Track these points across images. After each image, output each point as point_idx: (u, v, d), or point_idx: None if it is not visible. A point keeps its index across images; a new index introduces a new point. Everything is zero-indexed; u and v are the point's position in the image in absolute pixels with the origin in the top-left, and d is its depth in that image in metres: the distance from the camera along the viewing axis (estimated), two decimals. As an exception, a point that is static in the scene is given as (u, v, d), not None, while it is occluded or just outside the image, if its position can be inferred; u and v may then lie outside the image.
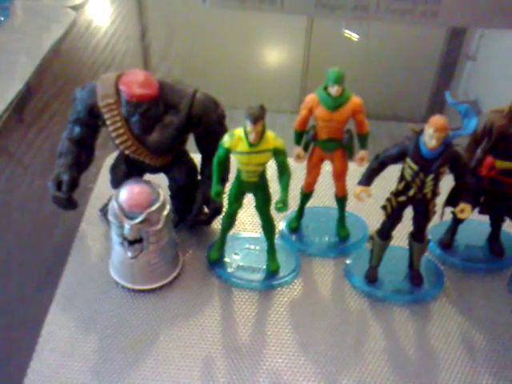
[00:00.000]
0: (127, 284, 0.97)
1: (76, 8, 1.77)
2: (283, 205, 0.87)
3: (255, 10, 1.97)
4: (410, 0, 1.95)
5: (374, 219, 1.07)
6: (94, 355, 0.88)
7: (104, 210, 1.10)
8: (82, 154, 1.02)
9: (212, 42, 1.79)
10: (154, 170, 1.05)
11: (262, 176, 0.89)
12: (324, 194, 1.10)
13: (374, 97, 1.60)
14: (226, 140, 0.84)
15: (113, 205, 0.91)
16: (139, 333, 0.91)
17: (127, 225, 0.90)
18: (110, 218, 0.92)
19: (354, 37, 1.88)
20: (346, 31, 1.92)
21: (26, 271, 1.01)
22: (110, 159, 1.20)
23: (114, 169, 1.06)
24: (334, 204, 1.06)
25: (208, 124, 0.96)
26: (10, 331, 0.92)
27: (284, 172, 0.86)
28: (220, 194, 0.89)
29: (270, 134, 0.83)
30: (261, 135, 0.81)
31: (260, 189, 0.90)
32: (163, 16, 1.90)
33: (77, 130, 0.99)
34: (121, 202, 0.90)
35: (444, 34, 1.90)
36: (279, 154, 0.84)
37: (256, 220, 1.04)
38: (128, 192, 0.91)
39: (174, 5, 1.96)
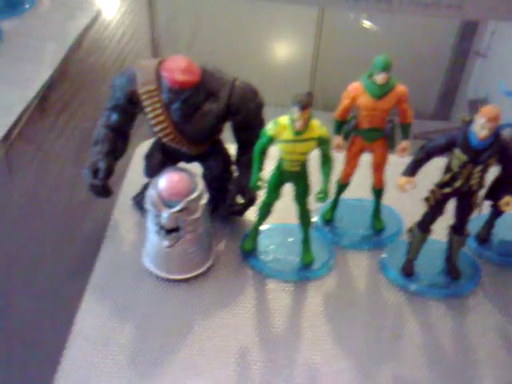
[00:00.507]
0: (161, 273, 0.96)
1: (102, -4, 1.76)
2: (324, 195, 0.86)
3: (280, 1, 1.96)
4: (434, -8, 1.94)
5: (410, 213, 1.06)
6: (129, 344, 0.87)
7: (137, 199, 1.10)
8: (118, 142, 1.01)
9: (220, 34, 1.77)
10: (189, 159, 1.04)
11: (304, 165, 0.88)
12: (358, 186, 1.08)
13: None
14: (269, 128, 0.83)
15: (151, 193, 0.91)
16: (174, 323, 0.90)
17: (165, 213, 0.89)
18: (148, 206, 0.92)
19: (373, 27, 1.87)
20: (366, 22, 1.90)
21: (58, 260, 1.01)
22: (142, 147, 1.20)
23: (148, 157, 1.05)
24: (368, 196, 1.05)
25: (246, 113, 0.95)
26: (44, 319, 0.92)
27: (327, 161, 0.85)
28: (260, 183, 0.88)
29: (315, 122, 0.82)
30: (307, 123, 0.80)
31: (301, 178, 0.89)
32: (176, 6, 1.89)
33: (114, 117, 0.98)
34: (160, 190, 0.90)
35: (455, 29, 1.88)
36: (324, 143, 0.83)
37: (290, 210, 1.03)
38: (167, 180, 0.90)
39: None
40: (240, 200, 1.03)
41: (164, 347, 0.87)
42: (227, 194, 1.02)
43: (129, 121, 1.00)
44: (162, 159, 1.03)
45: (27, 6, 1.67)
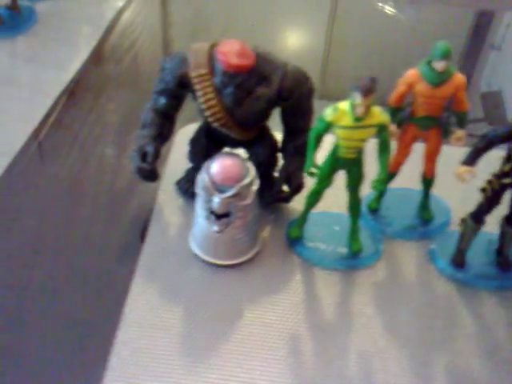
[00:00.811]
0: (209, 258, 0.96)
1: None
2: (382, 183, 0.85)
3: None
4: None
5: (458, 203, 1.05)
6: (179, 328, 0.87)
7: (180, 184, 1.09)
8: (165, 125, 1.00)
9: (233, 21, 1.76)
10: (235, 145, 1.03)
11: (361, 152, 0.86)
12: (406, 176, 1.07)
13: (394, 82, 1.57)
14: (328, 113, 0.82)
15: (203, 177, 0.90)
16: (222, 308, 0.90)
17: (217, 198, 0.89)
18: (198, 190, 0.91)
19: (391, 11, 1.84)
20: (388, 8, 1.88)
21: (105, 244, 1.01)
22: (184, 131, 1.19)
23: (193, 142, 1.04)
24: (413, 185, 1.04)
25: (298, 97, 0.94)
26: (94, 301, 0.92)
27: (385, 149, 0.84)
28: (314, 169, 0.87)
29: (376, 108, 0.81)
30: (369, 109, 0.79)
31: (356, 166, 0.88)
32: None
33: (162, 100, 0.98)
34: (212, 174, 0.89)
35: (469, 21, 1.85)
36: (384, 130, 0.82)
37: (335, 198, 1.02)
38: (220, 165, 0.89)
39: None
40: (285, 187, 1.02)
41: (213, 331, 0.87)
42: (275, 181, 1.01)
43: (177, 104, 0.99)
44: (207, 144, 1.02)
45: (60, -13, 1.66)
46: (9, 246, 0.98)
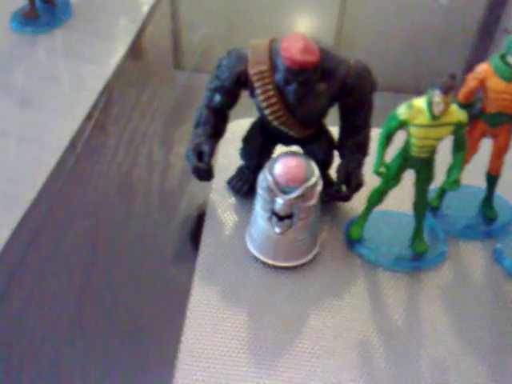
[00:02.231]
0: (269, 260, 0.93)
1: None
2: (456, 184, 0.82)
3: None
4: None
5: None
6: (245, 332, 0.85)
7: (232, 183, 1.06)
8: (220, 123, 0.97)
9: (243, 9, 1.71)
10: (290, 142, 1.00)
11: (434, 152, 0.83)
12: (466, 171, 1.04)
13: (407, 69, 1.52)
14: (402, 112, 0.78)
15: (266, 178, 0.87)
16: (286, 312, 0.88)
17: (281, 199, 0.86)
18: (260, 191, 0.89)
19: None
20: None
21: (161, 244, 0.99)
22: (232, 127, 1.15)
23: (247, 140, 1.01)
24: (475, 183, 1.00)
25: (360, 94, 0.91)
26: (154, 305, 0.90)
27: (462, 148, 0.81)
28: (384, 169, 0.84)
29: (453, 105, 0.77)
30: (448, 107, 0.75)
31: (427, 165, 0.85)
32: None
33: (217, 98, 0.95)
34: (276, 175, 0.86)
35: (482, 5, 1.79)
36: (461, 128, 0.79)
37: (400, 196, 0.99)
38: (284, 165, 0.86)
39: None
40: (344, 186, 0.99)
41: (278, 338, 0.84)
42: (334, 180, 0.98)
43: (232, 102, 0.96)
44: (262, 142, 0.99)
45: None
46: (66, 248, 0.97)
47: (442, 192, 1.00)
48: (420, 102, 0.77)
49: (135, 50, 1.41)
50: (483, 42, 1.72)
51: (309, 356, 0.82)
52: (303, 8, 1.74)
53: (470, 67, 1.70)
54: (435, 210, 1.01)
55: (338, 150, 1.00)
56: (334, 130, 0.98)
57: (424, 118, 0.77)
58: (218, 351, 0.83)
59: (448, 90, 0.73)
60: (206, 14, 1.61)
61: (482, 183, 1.00)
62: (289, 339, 0.84)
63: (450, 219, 1.00)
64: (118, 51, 1.39)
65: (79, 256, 0.96)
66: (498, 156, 0.92)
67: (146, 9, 1.52)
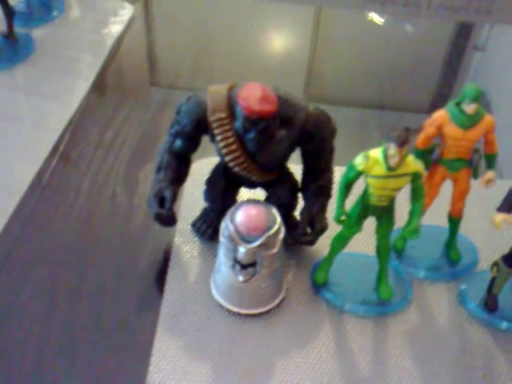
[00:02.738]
0: (234, 308, 0.92)
1: (133, 1, 1.69)
2: (415, 232, 0.82)
3: (305, 3, 1.91)
4: (463, -3, 1.90)
5: (484, 242, 1.03)
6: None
7: (196, 225, 1.05)
8: (182, 167, 0.96)
9: (221, 32, 1.73)
10: (254, 185, 0.99)
11: (393, 200, 0.83)
12: (429, 212, 1.04)
13: (378, 86, 1.55)
14: (359, 162, 0.79)
15: (227, 226, 0.86)
16: (252, 362, 0.86)
17: (243, 248, 0.85)
18: (222, 239, 0.87)
19: (373, 19, 1.81)
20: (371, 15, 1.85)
21: (122, 291, 0.96)
22: (196, 166, 1.14)
23: (210, 183, 1.00)
24: (439, 223, 1.01)
25: (320, 140, 0.91)
26: (115, 358, 0.88)
27: (420, 197, 0.81)
28: (344, 217, 0.84)
29: (410, 157, 0.78)
30: (403, 159, 0.76)
31: (387, 213, 0.85)
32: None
33: (178, 143, 0.94)
34: (237, 224, 0.85)
35: (453, 22, 1.83)
36: (417, 179, 0.79)
37: (365, 238, 0.99)
38: (245, 214, 0.85)
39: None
40: (308, 229, 0.98)
41: (246, 389, 0.83)
42: (299, 224, 0.97)
43: (193, 147, 0.96)
44: (225, 185, 0.99)
45: (56, 12, 1.61)
46: (24, 298, 0.94)
47: (406, 234, 1.00)
48: (376, 153, 0.78)
49: (99, 86, 1.39)
50: (455, 59, 1.75)
51: (274, 409, 0.81)
52: (278, 24, 1.76)
53: (442, 83, 1.75)
54: (399, 251, 1.01)
55: (302, 193, 1.00)
56: (299, 169, 0.98)
57: (381, 169, 0.78)
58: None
59: (403, 143, 0.73)
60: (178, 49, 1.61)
61: (446, 223, 1.00)
62: (253, 392, 0.83)
63: (414, 261, 1.00)
64: (81, 87, 1.37)
65: (37, 305, 0.93)
66: (459, 200, 0.93)
67: (109, 44, 1.51)
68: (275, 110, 0.84)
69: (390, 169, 0.77)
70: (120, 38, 1.55)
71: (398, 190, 0.81)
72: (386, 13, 1.90)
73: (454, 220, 0.97)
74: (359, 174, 0.80)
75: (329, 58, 1.73)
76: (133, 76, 1.49)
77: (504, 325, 0.91)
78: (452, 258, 0.99)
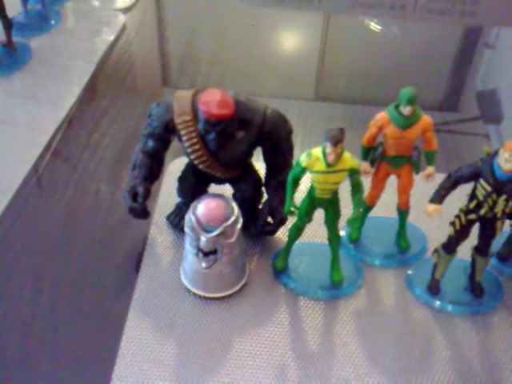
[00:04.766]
0: (199, 292, 1.02)
1: (125, 11, 1.80)
2: (355, 221, 0.91)
3: (293, 8, 1.99)
4: (448, 0, 1.96)
5: (434, 231, 1.11)
6: (173, 361, 0.93)
7: (171, 218, 1.15)
8: (154, 166, 1.06)
9: (232, 33, 1.81)
10: (221, 182, 1.09)
11: (335, 193, 0.93)
12: (384, 204, 1.13)
13: (388, 85, 1.62)
14: (303, 159, 0.88)
15: (190, 218, 0.96)
16: (214, 339, 0.96)
17: (203, 237, 0.95)
18: (186, 230, 0.97)
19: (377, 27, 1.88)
20: (374, 24, 1.92)
21: (101, 277, 1.07)
22: (173, 165, 1.26)
23: (182, 179, 1.10)
24: (393, 214, 1.09)
25: (277, 139, 1.00)
26: (93, 336, 0.98)
27: (358, 190, 0.90)
28: (293, 209, 0.93)
29: (346, 154, 0.87)
30: (339, 157, 0.85)
31: (331, 205, 0.94)
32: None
33: (150, 143, 1.03)
34: (198, 215, 0.95)
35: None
36: (354, 174, 0.88)
37: (320, 230, 1.08)
38: (205, 207, 0.95)
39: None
40: (270, 220, 1.08)
41: (207, 363, 0.92)
42: (259, 215, 1.07)
43: (164, 147, 1.05)
44: (195, 181, 1.08)
45: (53, 22, 1.72)
46: (10, 286, 1.04)
47: (360, 224, 1.09)
48: (317, 152, 0.87)
49: (89, 91, 1.50)
50: (465, 56, 1.81)
51: (231, 380, 0.91)
52: (288, 26, 1.84)
53: (452, 80, 1.80)
54: (354, 241, 1.10)
55: (265, 188, 1.09)
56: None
57: (321, 165, 0.87)
58: (148, 379, 0.90)
59: (336, 142, 0.82)
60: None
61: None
62: (212, 366, 0.92)
63: (367, 249, 1.09)
64: (73, 92, 1.47)
65: (22, 293, 1.03)
66: (403, 193, 1.02)
67: (101, 51, 1.61)
68: (232, 113, 0.94)
69: (328, 165, 0.86)
70: (111, 46, 1.66)
71: (337, 183, 0.90)
72: (373, 15, 1.98)
73: (402, 211, 1.05)
74: (304, 169, 0.89)
75: (339, 58, 1.80)
76: (121, 82, 1.59)
77: (442, 306, 1.00)
78: (402, 246, 1.08)
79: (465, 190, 0.94)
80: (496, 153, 0.84)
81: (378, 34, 1.85)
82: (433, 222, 1.11)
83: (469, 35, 1.87)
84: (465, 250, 1.01)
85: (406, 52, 1.82)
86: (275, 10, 1.92)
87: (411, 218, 1.10)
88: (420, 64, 1.77)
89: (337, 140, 0.82)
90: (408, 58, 1.80)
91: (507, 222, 1.00)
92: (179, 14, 1.89)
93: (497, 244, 1.07)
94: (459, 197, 0.95)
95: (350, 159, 0.87)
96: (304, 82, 1.75)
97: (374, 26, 1.91)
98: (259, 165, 1.09)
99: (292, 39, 1.89)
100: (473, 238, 0.97)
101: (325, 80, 1.79)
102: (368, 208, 1.06)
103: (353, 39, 1.86)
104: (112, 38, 1.68)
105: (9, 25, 1.54)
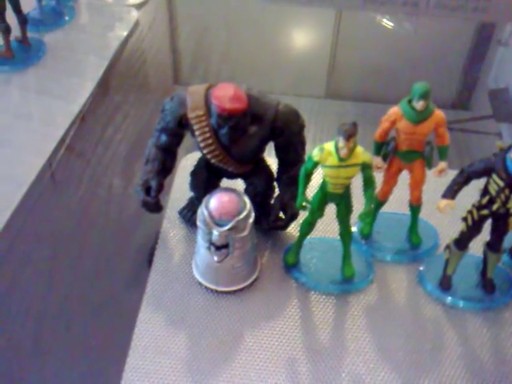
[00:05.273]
0: (211, 285, 1.03)
1: (138, 6, 1.81)
2: (367, 216, 0.92)
3: (304, 4, 1.99)
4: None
5: (445, 227, 1.11)
6: (185, 353, 0.94)
7: (183, 213, 1.16)
8: (167, 160, 1.07)
9: (244, 30, 1.82)
10: (233, 176, 1.09)
11: (348, 188, 0.93)
12: (396, 200, 1.13)
13: (400, 83, 1.61)
14: (315, 154, 0.88)
15: (202, 212, 0.96)
16: (225, 332, 0.97)
17: (216, 231, 0.95)
18: (199, 223, 0.98)
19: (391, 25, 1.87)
20: (386, 21, 1.92)
21: (114, 271, 1.08)
22: (186, 160, 1.26)
23: (194, 174, 1.11)
24: (404, 210, 1.09)
25: (289, 134, 1.01)
26: (106, 328, 0.99)
27: (370, 185, 0.90)
28: (306, 203, 0.94)
29: (358, 148, 0.87)
30: (352, 151, 0.85)
31: (344, 200, 0.94)
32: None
33: (163, 138, 1.04)
34: (211, 209, 0.96)
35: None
36: (367, 168, 0.89)
37: (332, 226, 1.09)
38: (218, 201, 0.96)
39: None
40: (282, 215, 1.08)
41: (218, 356, 0.93)
42: (271, 210, 1.07)
43: (177, 141, 1.06)
44: (207, 176, 1.09)
45: (67, 18, 1.73)
46: (25, 276, 1.06)
47: (372, 220, 1.09)
48: (330, 146, 0.87)
49: (103, 86, 1.51)
50: (477, 54, 1.80)
51: (242, 374, 0.91)
52: (299, 23, 1.83)
53: (464, 79, 1.79)
54: (366, 236, 1.10)
55: (277, 183, 1.10)
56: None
57: (333, 160, 0.87)
58: (159, 372, 0.91)
59: (350, 136, 0.83)
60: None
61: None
62: (224, 358, 0.93)
63: (379, 245, 1.09)
64: (86, 88, 1.49)
65: (37, 284, 1.05)
66: (415, 188, 1.02)
67: (114, 46, 1.63)
68: (245, 108, 0.94)
69: (340, 159, 0.86)
70: (124, 41, 1.67)
71: (350, 178, 0.90)
72: (385, 12, 1.98)
73: (414, 207, 1.05)
74: (316, 164, 0.89)
75: (351, 56, 1.80)
76: (134, 77, 1.60)
77: (454, 302, 1.00)
78: (413, 242, 1.08)
79: (477, 185, 0.94)
80: (509, 148, 0.83)
81: (390, 30, 1.85)
82: (445, 218, 1.11)
83: (481, 33, 1.86)
84: (477, 247, 1.01)
85: (418, 49, 1.81)
86: (287, 7, 1.93)
87: (423, 214, 1.09)
88: (432, 62, 1.76)
89: (350, 134, 0.82)
90: (420, 55, 1.79)
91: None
92: (191, 11, 1.91)
93: (509, 240, 1.07)
94: (471, 192, 0.95)
95: (363, 153, 0.87)
96: (315, 80, 1.75)
97: (387, 22, 1.90)
98: (271, 160, 1.09)
99: (304, 36, 1.89)
100: (485, 234, 0.97)
101: (336, 77, 1.79)
102: (380, 203, 1.06)
103: (365, 36, 1.85)
104: (125, 33, 1.69)
105: (24, 20, 1.56)
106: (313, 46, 1.85)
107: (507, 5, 1.89)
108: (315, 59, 1.78)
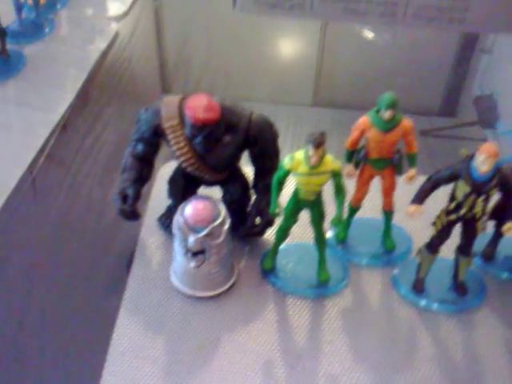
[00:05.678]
0: (189, 291, 1.04)
1: (118, 19, 1.83)
2: (339, 221, 0.94)
3: (285, 16, 2.02)
4: (437, 7, 1.99)
5: (419, 232, 1.13)
6: (163, 358, 0.95)
7: (162, 220, 1.17)
8: (144, 169, 1.08)
9: (230, 38, 1.84)
10: (210, 184, 1.11)
11: (319, 194, 0.95)
12: (370, 206, 1.15)
13: (388, 89, 1.64)
14: (286, 162, 0.91)
15: (178, 219, 0.98)
16: (203, 337, 0.98)
17: (192, 238, 0.97)
18: (175, 230, 0.99)
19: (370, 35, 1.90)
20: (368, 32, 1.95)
21: (93, 277, 1.09)
22: (164, 169, 1.28)
23: (172, 182, 1.12)
24: (378, 215, 1.12)
25: (263, 143, 1.03)
26: (84, 334, 1.00)
27: (340, 192, 0.93)
28: (279, 210, 0.96)
29: (328, 157, 0.90)
30: (321, 159, 0.88)
31: (316, 206, 0.96)
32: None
33: (140, 147, 1.06)
34: (186, 216, 0.97)
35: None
36: (337, 176, 0.91)
37: (306, 231, 1.11)
38: (193, 208, 0.97)
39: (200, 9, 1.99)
40: (258, 222, 1.10)
41: (196, 360, 0.94)
42: (248, 217, 1.09)
43: (153, 151, 1.08)
44: (184, 184, 1.11)
45: (47, 30, 1.74)
46: (3, 286, 1.06)
47: (347, 226, 1.12)
48: (300, 155, 0.90)
49: (82, 97, 1.52)
50: (462, 61, 1.84)
51: (220, 377, 0.92)
52: (286, 33, 1.86)
53: (449, 86, 1.80)
54: (341, 241, 1.12)
55: (254, 191, 1.12)
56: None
57: (304, 168, 0.90)
58: (137, 377, 0.92)
59: (318, 145, 0.85)
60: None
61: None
62: (202, 363, 0.94)
63: (354, 249, 1.11)
64: (66, 99, 1.50)
65: (15, 292, 1.05)
66: (386, 194, 1.05)
67: (94, 58, 1.64)
68: (218, 117, 0.96)
69: (311, 167, 0.89)
70: (104, 53, 1.69)
71: (320, 185, 0.93)
72: (364, 22, 2.01)
73: (387, 213, 1.08)
74: (287, 172, 0.92)
75: (337, 65, 1.82)
76: (114, 88, 1.62)
77: (427, 304, 1.02)
78: (387, 247, 1.11)
79: (448, 191, 0.97)
80: (473, 155, 0.86)
81: (375, 40, 1.88)
82: (418, 224, 1.13)
83: (466, 40, 1.90)
84: (449, 250, 1.03)
85: (404, 58, 1.84)
86: (268, 18, 1.96)
87: (397, 220, 1.12)
88: (418, 70, 1.79)
89: (319, 142, 0.85)
90: (406, 64, 1.82)
91: (491, 224, 1.03)
92: (175, 22, 1.92)
93: (481, 244, 1.10)
94: (443, 198, 0.98)
95: (332, 162, 0.90)
96: (302, 89, 1.78)
97: (368, 32, 1.94)
98: (248, 169, 1.11)
99: (290, 46, 1.91)
100: (457, 238, 1.00)
101: (323, 86, 1.82)
102: (354, 209, 1.09)
103: (351, 46, 1.88)
104: (104, 45, 1.70)
105: (3, 33, 1.57)
106: (299, 55, 1.88)
107: (483, 16, 1.94)
108: (302, 68, 1.81)
